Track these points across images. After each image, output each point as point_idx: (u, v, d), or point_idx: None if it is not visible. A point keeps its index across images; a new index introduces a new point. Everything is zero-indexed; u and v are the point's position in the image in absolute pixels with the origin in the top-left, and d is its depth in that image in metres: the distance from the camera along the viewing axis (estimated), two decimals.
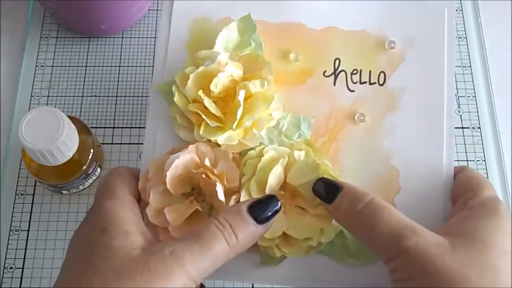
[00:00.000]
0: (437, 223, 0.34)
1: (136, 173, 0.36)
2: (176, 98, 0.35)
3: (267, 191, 0.34)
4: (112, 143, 0.49)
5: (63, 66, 0.52)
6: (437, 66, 0.38)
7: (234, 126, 0.34)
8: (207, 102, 0.34)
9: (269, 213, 0.32)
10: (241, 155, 0.36)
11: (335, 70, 0.38)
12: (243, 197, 0.34)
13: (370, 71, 0.38)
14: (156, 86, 0.37)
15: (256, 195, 0.34)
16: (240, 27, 0.37)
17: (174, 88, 0.36)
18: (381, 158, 0.36)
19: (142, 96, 0.51)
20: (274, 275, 0.35)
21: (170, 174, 0.33)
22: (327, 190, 0.33)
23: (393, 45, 0.38)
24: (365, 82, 0.38)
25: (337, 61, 0.38)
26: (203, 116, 0.34)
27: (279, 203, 0.33)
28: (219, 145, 0.35)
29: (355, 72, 0.38)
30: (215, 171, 0.33)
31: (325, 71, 0.38)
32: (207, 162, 0.34)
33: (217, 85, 0.34)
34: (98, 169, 0.46)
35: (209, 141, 0.35)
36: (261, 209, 0.32)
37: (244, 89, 0.34)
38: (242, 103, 0.34)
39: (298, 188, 0.35)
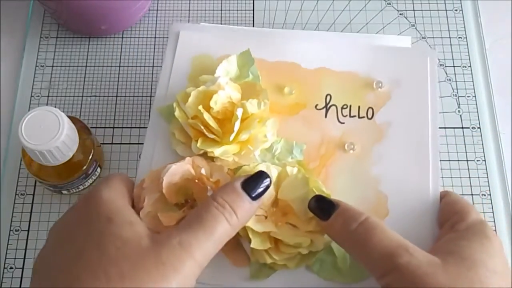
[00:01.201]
0: (425, 246, 0.35)
1: (130, 181, 0.36)
2: (177, 113, 0.37)
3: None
4: (112, 143, 0.49)
5: (63, 66, 0.52)
6: (422, 102, 0.41)
7: (231, 138, 0.36)
8: (207, 116, 0.36)
9: (262, 189, 0.33)
10: (235, 172, 0.37)
11: (327, 104, 0.41)
12: None
13: (359, 107, 0.41)
14: (157, 109, 0.40)
15: None
16: (239, 61, 0.41)
17: (175, 105, 0.38)
18: (370, 183, 0.38)
19: (142, 96, 0.51)
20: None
21: (166, 180, 0.34)
22: (323, 207, 0.35)
23: (380, 84, 0.41)
24: (354, 116, 0.41)
25: (328, 97, 0.41)
26: (202, 128, 0.36)
27: (269, 178, 0.34)
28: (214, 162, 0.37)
29: (345, 107, 0.41)
30: (211, 180, 0.35)
31: (317, 105, 0.41)
32: (203, 171, 0.35)
33: (217, 102, 0.37)
34: (98, 169, 0.46)
35: (206, 157, 0.37)
36: (253, 184, 0.33)
37: (241, 107, 0.37)
38: (239, 117, 0.36)
39: (289, 203, 0.36)
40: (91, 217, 0.32)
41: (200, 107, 0.36)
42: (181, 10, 0.55)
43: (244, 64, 0.41)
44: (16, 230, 0.46)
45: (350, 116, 0.40)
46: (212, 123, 0.36)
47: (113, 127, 0.50)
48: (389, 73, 0.41)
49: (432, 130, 0.40)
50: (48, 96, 0.51)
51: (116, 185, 0.34)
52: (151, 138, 0.40)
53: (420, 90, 0.41)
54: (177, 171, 0.35)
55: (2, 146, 0.49)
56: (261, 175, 0.34)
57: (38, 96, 0.51)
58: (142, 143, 0.49)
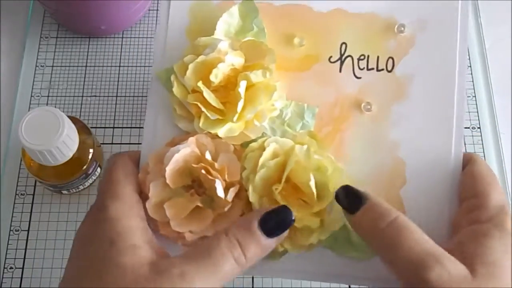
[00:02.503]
0: (442, 217, 0.34)
1: (136, 158, 0.35)
2: (175, 89, 0.34)
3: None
4: (112, 143, 0.49)
5: (63, 66, 0.52)
6: (449, 53, 0.36)
7: (235, 119, 0.33)
8: (207, 94, 0.33)
9: (282, 229, 0.31)
10: (243, 146, 0.35)
11: (342, 55, 0.36)
12: (251, 196, 0.33)
13: (378, 57, 0.36)
14: (155, 74, 0.36)
15: (262, 193, 0.33)
16: (242, 11, 0.36)
17: (173, 78, 0.35)
18: (387, 149, 0.35)
19: (142, 96, 0.51)
20: (275, 268, 0.34)
21: (169, 168, 0.32)
22: (351, 200, 0.32)
23: (402, 28, 0.36)
24: (372, 69, 0.36)
25: (343, 46, 0.37)
26: (203, 109, 0.33)
27: (293, 215, 0.31)
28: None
29: (362, 57, 0.36)
30: (216, 165, 0.33)
31: (331, 57, 0.36)
32: (207, 156, 0.33)
33: (217, 75, 0.33)
34: (98, 169, 0.46)
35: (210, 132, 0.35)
36: (273, 222, 0.31)
37: (245, 79, 0.33)
38: (243, 95, 0.33)
39: (299, 185, 0.34)
40: (95, 238, 0.31)
41: (200, 84, 0.33)
42: None
43: (247, 14, 0.36)
44: (16, 230, 0.46)
45: (368, 69, 0.36)
46: (213, 101, 0.33)
47: (113, 127, 0.50)
48: (413, 12, 0.36)
49: (459, 86, 0.35)
50: (48, 96, 0.51)
51: (124, 192, 0.32)
52: (152, 109, 0.36)
53: (448, 34, 0.36)
54: (179, 157, 0.33)
55: (2, 146, 0.49)
56: (283, 213, 0.31)
57: (38, 96, 0.51)
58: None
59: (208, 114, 0.33)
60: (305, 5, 0.37)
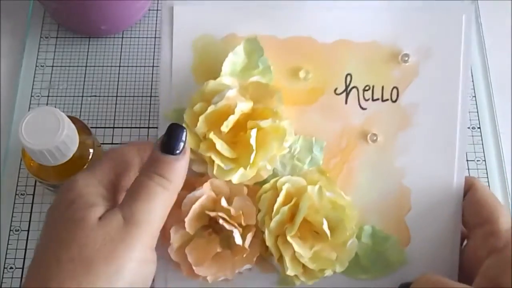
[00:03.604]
0: (446, 242, 0.35)
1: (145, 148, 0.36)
2: (188, 140, 0.34)
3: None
4: (112, 143, 0.49)
5: (63, 66, 0.52)
6: (452, 80, 0.36)
7: (248, 168, 0.34)
8: (219, 145, 0.34)
9: (182, 143, 0.32)
10: (258, 187, 0.36)
11: (347, 87, 0.37)
12: (267, 240, 0.34)
13: (382, 87, 0.37)
14: (164, 115, 0.37)
15: (277, 233, 0.34)
16: (247, 48, 0.36)
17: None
18: (393, 177, 0.36)
19: (142, 96, 0.51)
20: None
21: (188, 218, 0.34)
22: None
23: (406, 58, 0.37)
24: (377, 99, 0.37)
25: (348, 77, 0.37)
26: (216, 161, 0.34)
27: (184, 128, 0.32)
28: None
29: (367, 88, 0.37)
30: (232, 211, 0.34)
31: (336, 89, 0.37)
32: (223, 203, 0.34)
33: (228, 125, 0.34)
34: None
35: None
36: (171, 143, 0.32)
37: (255, 127, 0.34)
38: (254, 147, 0.33)
39: (313, 223, 0.35)
40: (57, 201, 0.33)
41: (212, 135, 0.33)
42: None
43: (253, 52, 0.36)
44: (16, 230, 0.46)
45: (373, 100, 0.37)
46: (226, 151, 0.34)
47: (113, 127, 0.50)
48: (417, 39, 0.36)
49: (462, 115, 0.36)
50: (48, 96, 0.51)
51: (96, 166, 0.34)
52: None
53: (452, 61, 0.36)
54: (197, 206, 0.34)
55: (2, 146, 0.49)
56: (174, 130, 0.32)
57: (38, 96, 0.51)
58: None
59: (222, 165, 0.34)
60: (309, 37, 0.37)
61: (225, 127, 0.34)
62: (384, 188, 0.36)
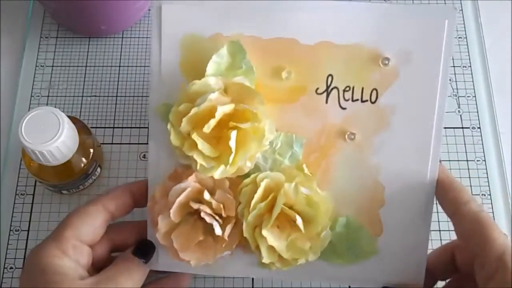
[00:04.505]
0: (417, 235, 0.38)
1: (136, 189, 0.39)
2: (172, 138, 0.37)
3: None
4: (112, 143, 0.49)
5: (63, 66, 0.52)
6: (431, 85, 0.37)
7: (227, 167, 0.36)
8: (201, 145, 0.35)
9: (149, 254, 0.38)
10: (240, 180, 0.38)
11: (328, 87, 0.38)
12: (245, 232, 0.36)
13: (362, 88, 0.38)
14: (154, 109, 0.39)
15: (255, 225, 0.37)
16: (231, 50, 0.38)
17: (169, 126, 0.37)
18: (369, 173, 0.38)
19: (142, 96, 0.51)
20: (268, 271, 0.38)
21: (174, 208, 0.36)
22: None
23: (387, 62, 0.37)
24: (357, 100, 0.38)
25: (329, 78, 0.38)
26: (198, 160, 0.36)
27: (153, 248, 0.39)
28: None
29: (347, 89, 0.38)
30: (213, 203, 0.36)
31: (317, 88, 0.38)
32: (206, 196, 0.36)
33: (210, 126, 0.35)
34: (98, 169, 0.46)
35: None
36: (141, 250, 0.38)
37: (235, 129, 0.35)
38: (234, 149, 0.35)
39: (289, 216, 0.37)
40: (29, 269, 0.36)
41: (195, 136, 0.35)
42: None
43: (236, 53, 0.38)
44: (16, 230, 0.46)
45: (353, 100, 0.38)
46: (207, 151, 0.36)
47: (113, 127, 0.50)
48: (398, 43, 0.37)
49: (438, 118, 0.37)
50: (48, 96, 0.51)
51: (67, 235, 0.36)
52: (154, 141, 0.39)
53: (431, 66, 0.37)
54: (183, 197, 0.37)
55: (2, 146, 0.49)
56: (146, 244, 0.39)
57: (38, 96, 0.51)
58: (142, 143, 0.49)
59: (204, 163, 0.36)
60: (292, 39, 0.38)
61: (207, 128, 0.35)
62: (359, 184, 0.38)
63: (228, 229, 0.37)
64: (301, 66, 0.38)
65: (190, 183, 0.37)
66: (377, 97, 0.38)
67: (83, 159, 0.44)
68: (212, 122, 0.35)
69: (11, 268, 0.45)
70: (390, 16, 0.37)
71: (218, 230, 0.36)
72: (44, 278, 0.34)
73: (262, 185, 0.36)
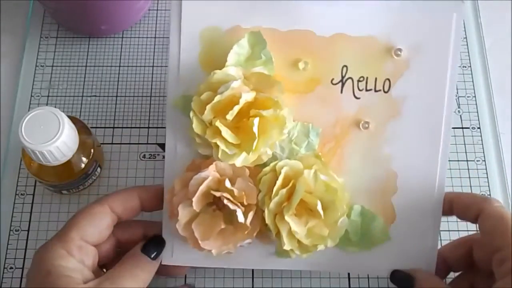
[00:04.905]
0: (427, 221, 0.39)
1: (146, 192, 0.39)
2: (195, 125, 0.37)
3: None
4: (112, 143, 0.49)
5: (63, 66, 0.52)
6: (440, 75, 0.39)
7: (250, 153, 0.37)
8: (225, 132, 0.36)
9: (158, 251, 0.38)
10: (259, 169, 0.39)
11: (343, 77, 0.39)
12: (267, 219, 0.37)
13: (376, 78, 0.39)
14: (173, 102, 0.39)
15: (276, 212, 0.37)
16: (251, 40, 0.39)
17: (192, 115, 0.37)
18: (382, 161, 0.39)
19: (142, 96, 0.51)
20: (285, 261, 0.39)
21: (196, 197, 0.37)
22: (402, 283, 0.38)
23: (399, 52, 0.39)
24: (370, 90, 0.39)
25: (344, 69, 0.39)
26: (221, 146, 0.37)
27: (164, 242, 0.39)
28: None
29: (361, 79, 0.39)
30: (235, 191, 0.37)
31: (332, 79, 0.39)
32: (227, 184, 0.37)
33: (233, 113, 0.36)
34: (98, 169, 0.46)
35: None
36: (151, 247, 0.38)
37: (258, 116, 0.36)
38: (257, 134, 0.36)
39: (308, 204, 0.37)
40: (34, 271, 0.36)
41: (218, 123, 0.36)
42: None
43: (256, 44, 0.39)
44: (16, 230, 0.46)
45: (366, 90, 0.39)
46: (230, 138, 0.36)
47: (113, 127, 0.50)
48: (410, 36, 0.39)
49: (447, 106, 0.39)
50: (48, 96, 0.51)
51: (73, 236, 0.36)
52: (171, 134, 0.39)
53: (441, 57, 0.39)
54: (203, 186, 0.37)
55: (2, 146, 0.49)
56: (158, 240, 0.39)
57: (38, 96, 0.51)
58: (142, 143, 0.49)
59: (227, 150, 0.37)
60: (309, 30, 0.39)
61: (230, 115, 0.36)
62: (373, 172, 0.39)
63: (250, 216, 0.37)
64: (317, 57, 0.39)
65: (210, 172, 0.37)
66: (389, 87, 0.39)
67: (83, 159, 0.44)
68: (236, 109, 0.36)
69: (11, 268, 0.45)
70: (402, 10, 0.39)
71: (241, 217, 0.36)
72: (49, 280, 0.34)
73: (283, 172, 0.37)
